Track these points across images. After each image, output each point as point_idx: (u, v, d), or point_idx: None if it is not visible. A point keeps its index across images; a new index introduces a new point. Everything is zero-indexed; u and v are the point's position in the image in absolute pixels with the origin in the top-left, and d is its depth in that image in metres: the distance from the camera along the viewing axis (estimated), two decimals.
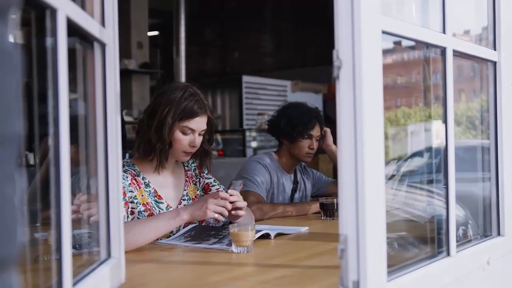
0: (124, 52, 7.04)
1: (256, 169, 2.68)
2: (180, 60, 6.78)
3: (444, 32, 1.37)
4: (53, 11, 0.89)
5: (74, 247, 0.99)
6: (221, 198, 1.82)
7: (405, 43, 1.34)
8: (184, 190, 2.10)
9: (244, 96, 8.36)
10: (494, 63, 1.64)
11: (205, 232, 1.92)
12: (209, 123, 2.02)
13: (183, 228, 1.98)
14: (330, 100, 8.00)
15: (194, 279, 1.46)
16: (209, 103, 2.05)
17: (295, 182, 2.86)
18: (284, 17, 9.76)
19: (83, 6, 1.10)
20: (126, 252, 1.32)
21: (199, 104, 1.97)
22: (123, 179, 1.89)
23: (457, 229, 1.46)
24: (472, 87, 1.79)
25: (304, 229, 2.12)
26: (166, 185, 2.06)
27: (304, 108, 2.79)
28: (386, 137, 1.15)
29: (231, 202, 1.84)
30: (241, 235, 1.66)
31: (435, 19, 1.39)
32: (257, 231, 1.83)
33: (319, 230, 2.21)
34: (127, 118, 6.51)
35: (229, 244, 1.71)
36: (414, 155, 1.67)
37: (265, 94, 8.53)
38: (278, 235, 1.95)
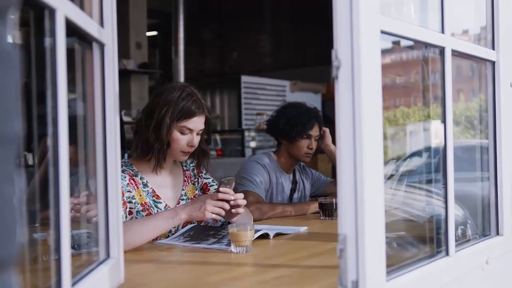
0: (123, 52, 7.04)
1: (255, 169, 2.68)
2: (178, 60, 6.79)
3: (442, 32, 1.37)
4: (52, 11, 0.89)
5: (73, 247, 0.99)
6: (220, 200, 1.81)
7: (404, 43, 1.34)
8: (183, 190, 2.10)
9: (243, 96, 8.36)
10: (493, 63, 1.64)
11: (204, 232, 1.91)
12: (207, 123, 2.02)
13: (182, 228, 1.98)
14: (329, 100, 8.00)
15: (193, 279, 1.46)
16: (207, 103, 2.04)
17: (294, 182, 2.86)
18: (283, 17, 9.77)
19: (81, 6, 1.10)
20: (124, 252, 1.32)
21: (197, 104, 1.97)
22: (121, 179, 1.89)
23: (456, 229, 1.46)
24: (470, 87, 1.79)
25: (303, 229, 2.12)
26: (164, 185, 2.05)
27: (303, 108, 2.79)
28: (385, 137, 1.15)
29: (228, 201, 1.82)
30: (240, 235, 1.66)
31: (434, 19, 1.39)
32: (256, 231, 1.83)
33: (318, 230, 2.21)
34: (125, 118, 6.51)
35: (228, 244, 1.71)
36: (413, 155, 1.67)
37: (264, 94, 8.54)
38: (277, 235, 1.95)
